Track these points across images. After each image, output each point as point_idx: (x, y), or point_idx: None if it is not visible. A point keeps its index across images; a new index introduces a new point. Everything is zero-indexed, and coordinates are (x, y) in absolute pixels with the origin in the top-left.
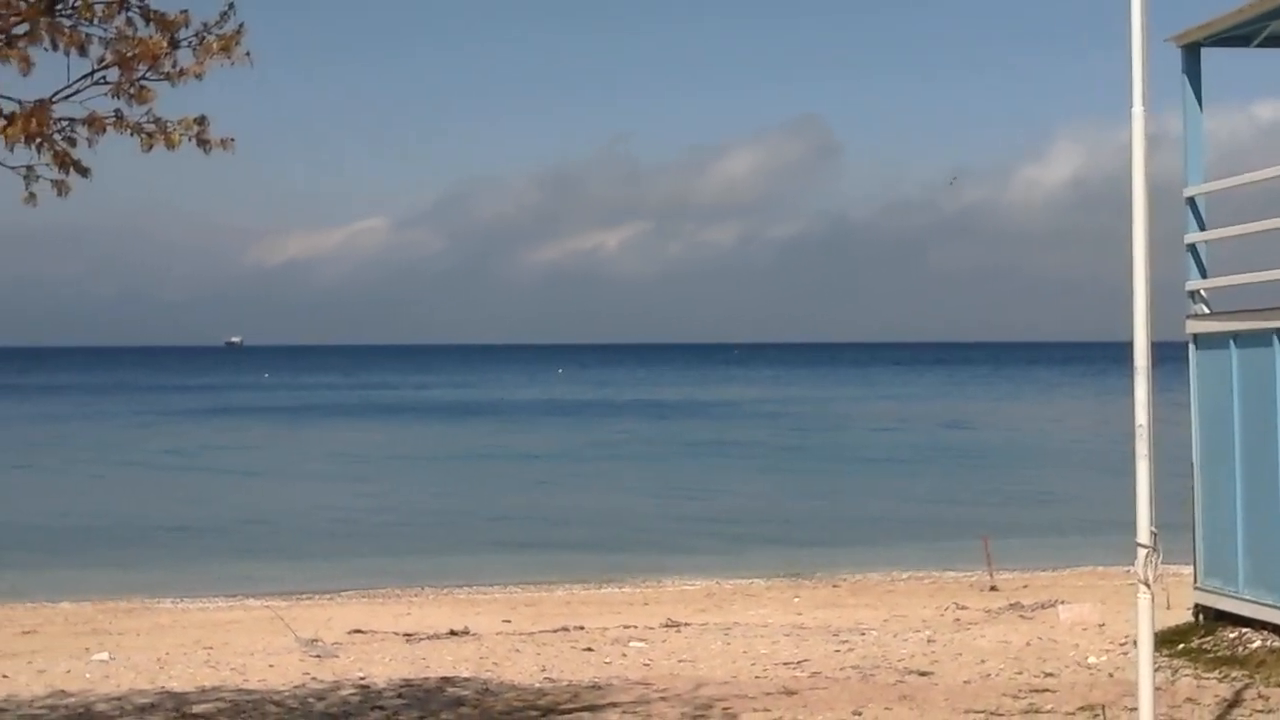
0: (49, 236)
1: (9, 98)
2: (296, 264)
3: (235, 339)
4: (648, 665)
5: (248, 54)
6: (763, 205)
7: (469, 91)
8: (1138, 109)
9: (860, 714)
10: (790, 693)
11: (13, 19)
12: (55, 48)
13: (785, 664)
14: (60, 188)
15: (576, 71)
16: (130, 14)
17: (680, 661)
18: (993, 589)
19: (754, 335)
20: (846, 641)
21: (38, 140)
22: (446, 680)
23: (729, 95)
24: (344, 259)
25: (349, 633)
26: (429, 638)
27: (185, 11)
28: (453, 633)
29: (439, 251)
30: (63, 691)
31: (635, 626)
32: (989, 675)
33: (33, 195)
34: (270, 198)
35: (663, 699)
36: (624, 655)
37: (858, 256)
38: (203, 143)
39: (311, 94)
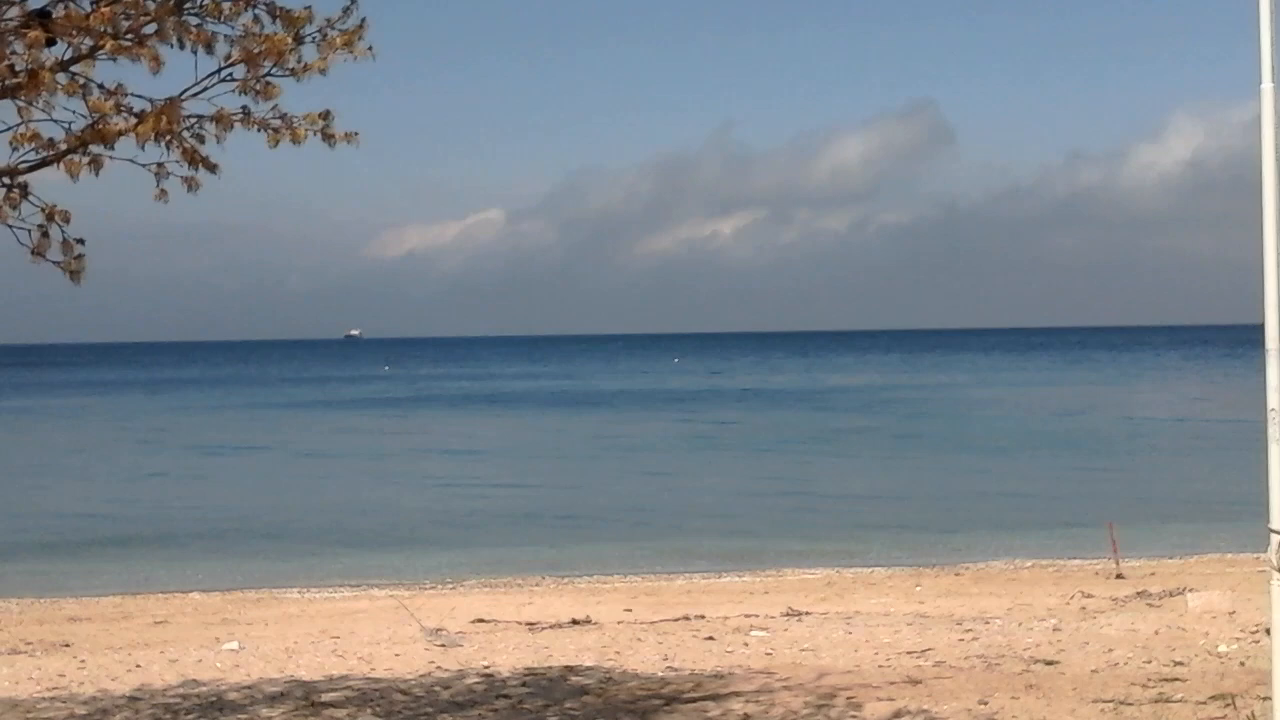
0: (178, 233)
1: (140, 96)
2: (415, 257)
3: (354, 332)
4: (770, 654)
5: (370, 48)
6: (874, 191)
7: (582, 84)
8: (1267, 85)
9: (986, 703)
10: (914, 682)
11: (142, 19)
12: (182, 46)
13: (909, 653)
14: (190, 184)
15: (685, 61)
16: (257, 11)
17: (802, 650)
18: (1119, 577)
19: (866, 322)
20: (970, 630)
21: (167, 138)
22: (570, 669)
23: (836, 81)
24: (460, 251)
25: (472, 622)
26: (551, 627)
27: (309, 7)
28: (574, 622)
29: (552, 242)
30: (195, 680)
31: (756, 615)
32: (1117, 664)
33: (164, 192)
34: (390, 191)
35: (786, 688)
36: (745, 644)
37: (970, 242)
38: (327, 137)
39: (432, 88)
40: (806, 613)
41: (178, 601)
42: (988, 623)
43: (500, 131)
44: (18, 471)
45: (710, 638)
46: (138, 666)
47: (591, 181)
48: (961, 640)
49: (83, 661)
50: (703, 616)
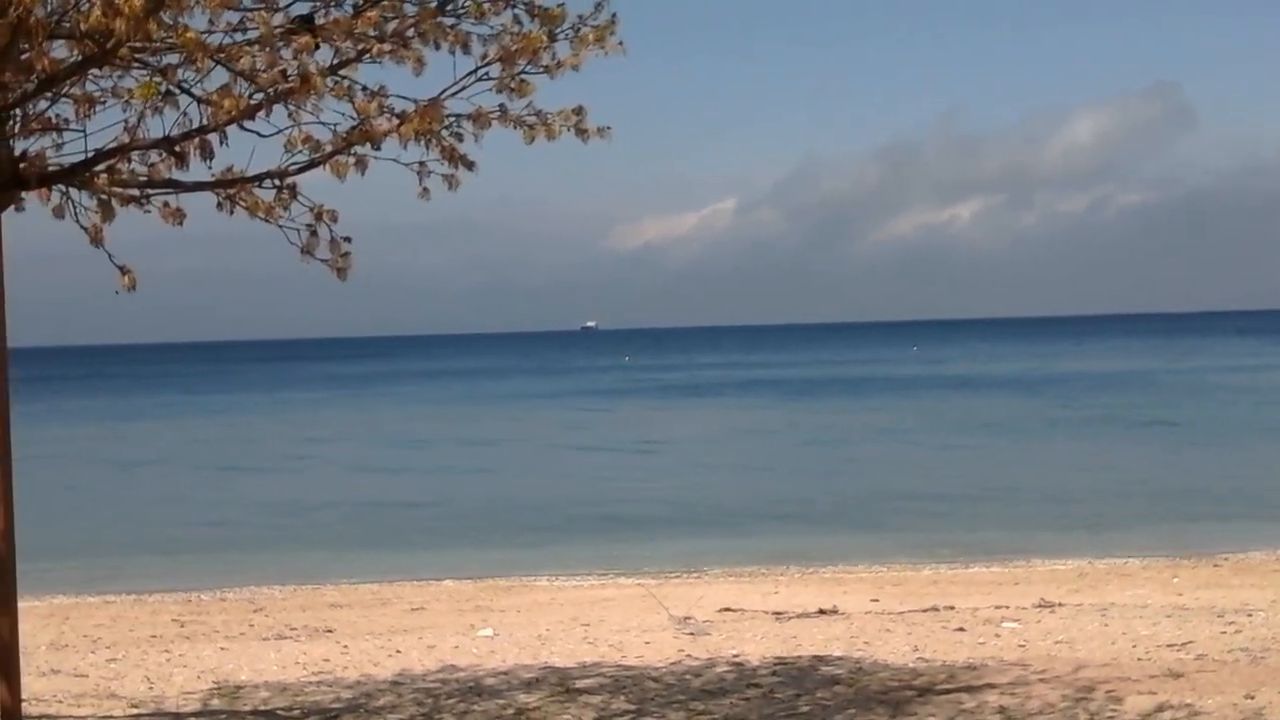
0: (424, 229)
1: (402, 97)
2: (650, 248)
3: (590, 323)
4: (1023, 646)
5: (620, 43)
6: (1111, 172)
7: (809, 74)
8: None
9: (1253, 698)
10: (1176, 675)
11: (407, 22)
12: (437, 47)
13: (1168, 646)
14: (450, 182)
15: (908, 46)
16: (516, 10)
17: (1056, 643)
18: None
19: (1108, 306)
20: (1233, 623)
21: (428, 137)
22: (819, 659)
23: (1063, 61)
24: (694, 242)
25: (719, 611)
26: (798, 616)
27: (562, 5)
28: (821, 611)
29: (783, 231)
30: (452, 666)
31: (1007, 607)
32: None
33: (426, 190)
34: (627, 184)
35: (1042, 680)
36: (997, 635)
37: (1214, 221)
38: (580, 132)
39: (668, 80)
40: (1059, 604)
41: (432, 589)
42: (1251, 615)
43: (733, 123)
44: (266, 462)
45: (961, 629)
46: (397, 652)
47: (820, 169)
48: (1224, 633)
49: (345, 647)
50: (952, 607)
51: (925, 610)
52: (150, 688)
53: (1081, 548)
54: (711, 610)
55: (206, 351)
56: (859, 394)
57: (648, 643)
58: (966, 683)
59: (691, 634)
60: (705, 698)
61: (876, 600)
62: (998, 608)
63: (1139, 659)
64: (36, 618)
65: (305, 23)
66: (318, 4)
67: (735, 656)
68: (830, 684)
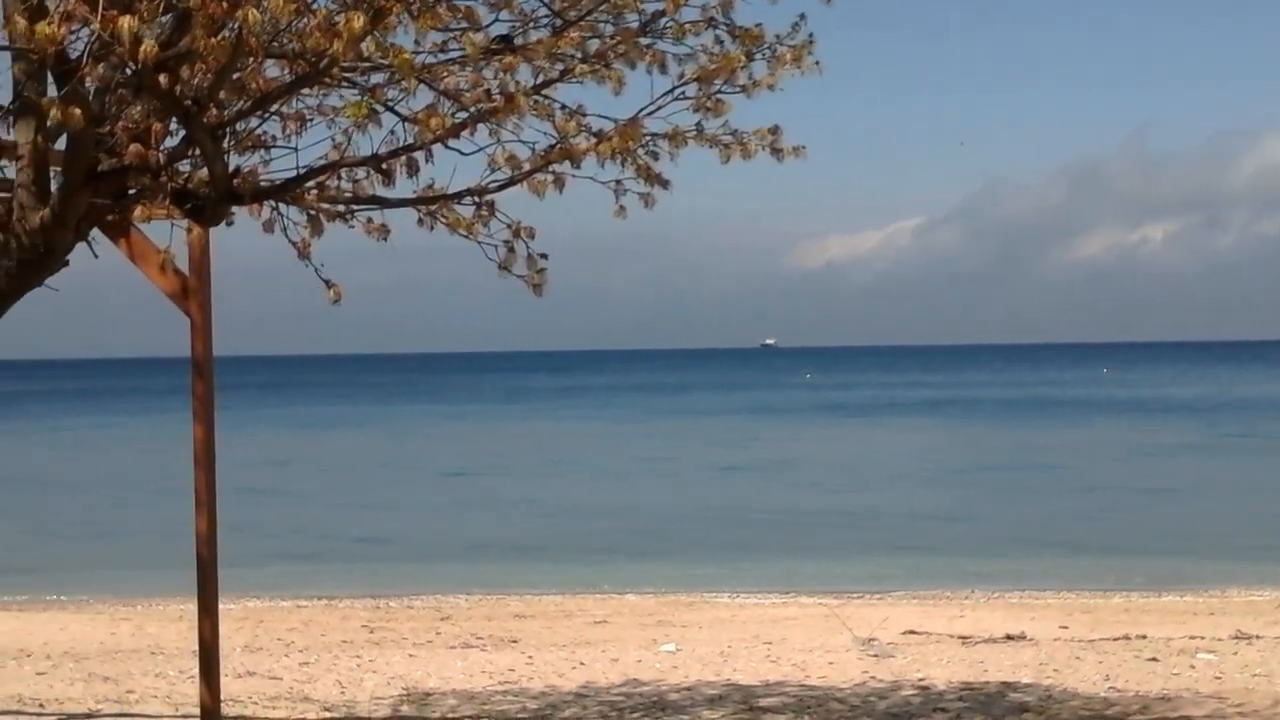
0: (605, 244)
1: (600, 116)
2: (833, 266)
3: (770, 341)
4: (1219, 678)
5: (817, 63)
6: None
7: (992, 91)
8: None
9: None
10: None
11: (610, 42)
12: (633, 67)
13: None
14: (646, 200)
15: (1092, 64)
16: (717, 31)
17: (1255, 675)
18: None
19: None
20: None
21: (624, 155)
22: (1007, 685)
23: (1255, 78)
24: (877, 260)
25: (903, 633)
26: (985, 641)
27: (760, 24)
28: (1009, 637)
29: (967, 251)
30: (636, 680)
31: (1202, 637)
32: None
33: (622, 208)
34: (812, 201)
35: (1239, 714)
36: (1192, 667)
37: None
38: (776, 151)
39: (856, 98)
40: (1257, 636)
41: (614, 602)
42: None
43: (918, 141)
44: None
45: (1154, 659)
46: (581, 664)
47: (1003, 189)
48: None
49: (530, 657)
50: (1144, 636)
51: (1116, 639)
52: (342, 692)
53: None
54: (895, 632)
55: (391, 363)
56: (1046, 415)
57: (831, 663)
58: (1161, 714)
59: (876, 656)
60: None
61: (1066, 627)
62: (1192, 638)
63: None
64: (232, 620)
65: (504, 42)
66: (516, 24)
67: (921, 680)
68: (1019, 711)
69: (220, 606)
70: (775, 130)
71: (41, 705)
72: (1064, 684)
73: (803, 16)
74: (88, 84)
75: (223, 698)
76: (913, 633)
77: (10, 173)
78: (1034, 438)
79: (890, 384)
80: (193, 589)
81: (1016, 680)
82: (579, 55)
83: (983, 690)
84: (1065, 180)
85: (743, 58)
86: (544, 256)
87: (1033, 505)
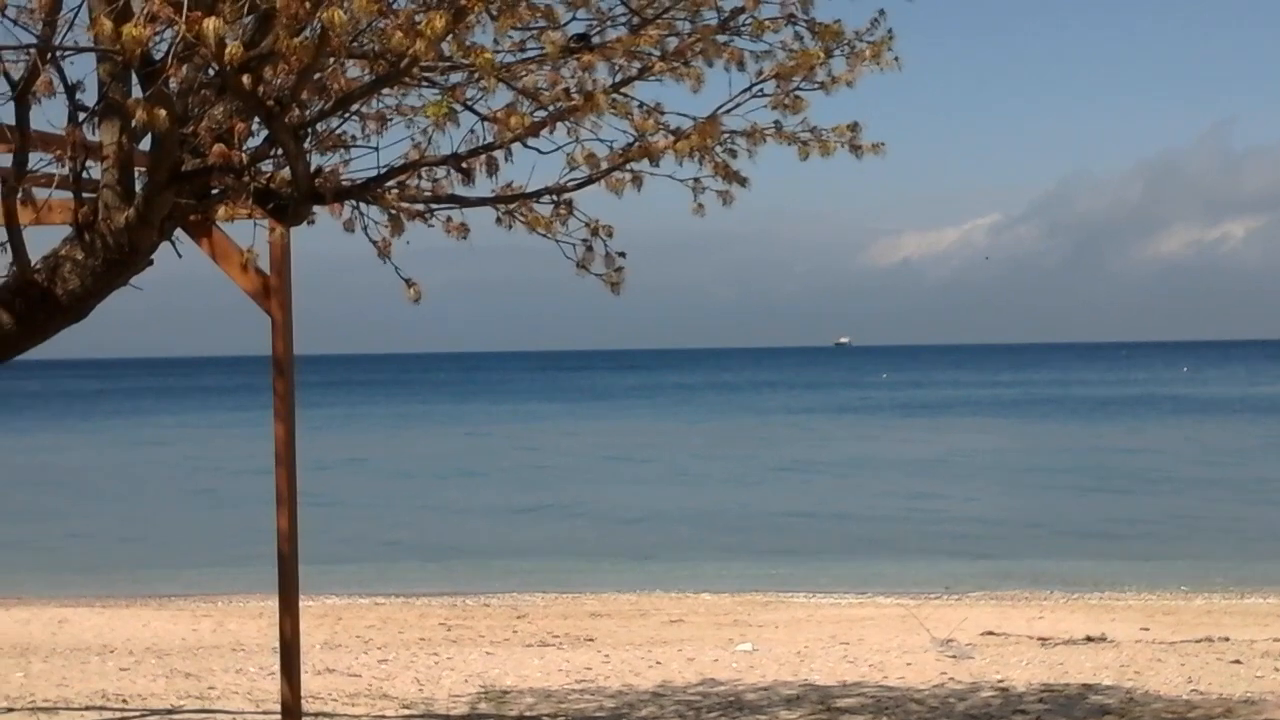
0: (677, 242)
1: (681, 114)
2: (909, 264)
3: (844, 339)
4: None
5: (896, 59)
6: None
7: (1069, 87)
8: None
9: None
10: None
11: (690, 40)
12: (710, 64)
13: None
14: (724, 198)
15: (1172, 60)
16: (797, 28)
17: None
18: None
19: None
20: None
21: (702, 153)
22: (1088, 687)
23: None
24: (953, 258)
25: (982, 634)
26: (1064, 643)
27: (839, 20)
28: (1089, 639)
29: (1044, 249)
30: (712, 679)
31: None
32: None
33: (700, 206)
34: (888, 199)
35: None
36: (1276, 670)
37: None
38: (855, 148)
39: (930, 91)
40: None
41: (690, 601)
42: None
43: (994, 138)
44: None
45: (1237, 661)
46: (658, 663)
47: (1081, 185)
48: None
49: (606, 656)
50: (1227, 639)
51: (1199, 641)
52: (420, 689)
53: None
54: (974, 633)
55: (465, 361)
56: (1125, 414)
57: (909, 664)
58: (1244, 717)
59: (954, 657)
60: None
61: (1147, 629)
62: (1276, 640)
63: None
64: (311, 617)
65: (582, 41)
66: (594, 23)
67: (1000, 681)
68: (1100, 714)
69: (300, 603)
70: (854, 127)
71: (125, 701)
72: (1145, 686)
73: (881, 12)
74: (172, 85)
75: (303, 694)
76: (991, 634)
77: (96, 173)
78: (1113, 437)
79: (966, 383)
80: (271, 586)
81: (1097, 682)
82: (658, 53)
83: (1063, 692)
84: (1144, 177)
85: (822, 54)
86: (622, 255)
87: (1112, 506)
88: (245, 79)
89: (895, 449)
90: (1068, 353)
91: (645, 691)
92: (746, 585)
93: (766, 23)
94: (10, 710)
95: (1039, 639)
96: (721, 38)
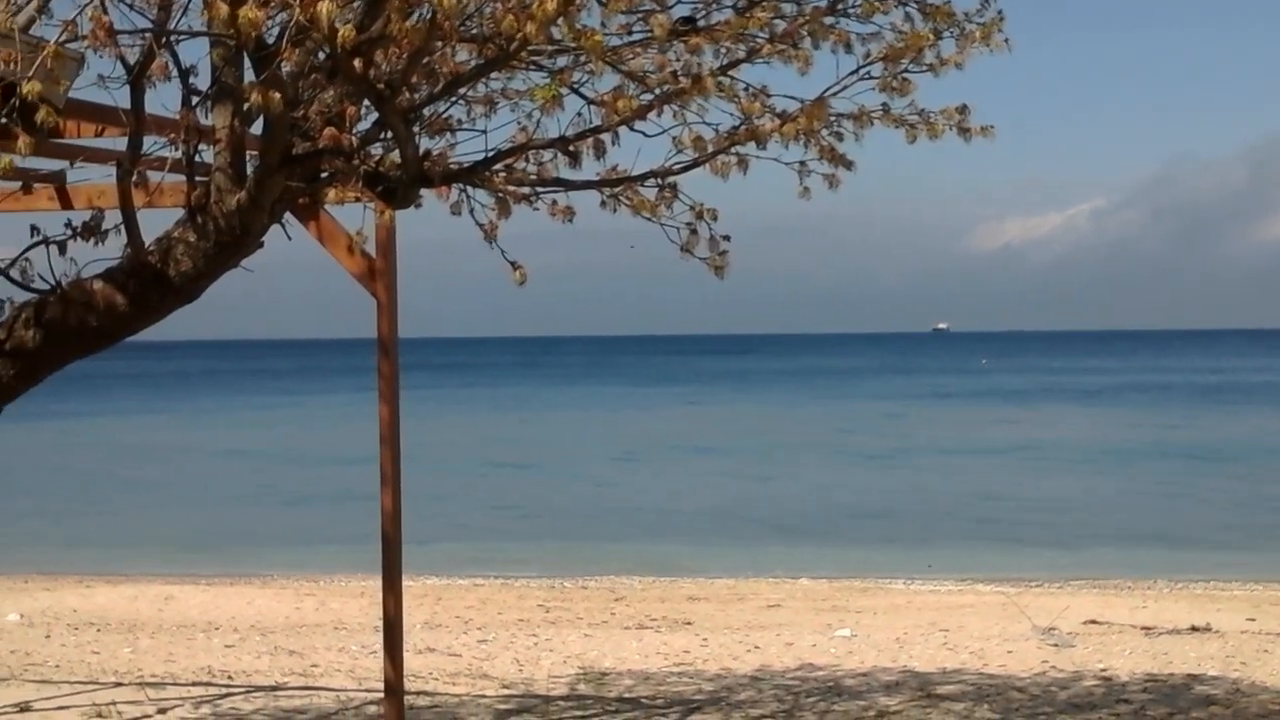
0: (777, 226)
1: (788, 96)
2: (1010, 249)
3: (942, 325)
4: None
5: (1006, 41)
6: None
7: (1173, 73)
8: None
9: None
10: None
11: (798, 21)
12: (817, 46)
13: None
14: (831, 181)
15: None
16: (908, 9)
17: None
18: None
19: None
20: None
21: (808, 136)
22: (1193, 677)
23: None
24: (1056, 243)
25: (1084, 623)
26: (1169, 632)
27: (949, 1)
28: (1193, 628)
29: (1147, 234)
30: (811, 664)
31: None
32: None
33: (806, 189)
34: (991, 183)
35: None
36: None
37: None
38: (963, 131)
39: (1036, 74)
40: None
41: (787, 587)
42: None
43: (1101, 122)
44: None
45: None
46: (756, 648)
47: (1186, 170)
48: None
49: (704, 640)
50: None
51: None
52: (520, 670)
53: None
54: (1076, 622)
55: (561, 345)
56: (1231, 401)
57: (1010, 652)
58: None
59: (1056, 645)
60: (1073, 711)
61: (1253, 619)
62: None
63: None
64: (412, 597)
65: (689, 24)
66: (700, 5)
67: (1103, 671)
68: (1205, 704)
69: (402, 583)
70: (963, 109)
71: (230, 677)
72: (1252, 677)
73: None
74: (284, 69)
75: (405, 673)
76: (1094, 622)
77: (208, 157)
78: (1218, 424)
79: (1067, 369)
80: (373, 565)
81: (1202, 672)
82: (765, 36)
83: (1167, 682)
84: (1250, 161)
85: (931, 36)
86: (726, 239)
87: (1217, 494)
88: (356, 63)
89: (994, 436)
90: (1172, 338)
91: (743, 675)
92: (845, 571)
93: (876, 4)
94: (119, 685)
95: (1142, 628)
96: (829, 19)
